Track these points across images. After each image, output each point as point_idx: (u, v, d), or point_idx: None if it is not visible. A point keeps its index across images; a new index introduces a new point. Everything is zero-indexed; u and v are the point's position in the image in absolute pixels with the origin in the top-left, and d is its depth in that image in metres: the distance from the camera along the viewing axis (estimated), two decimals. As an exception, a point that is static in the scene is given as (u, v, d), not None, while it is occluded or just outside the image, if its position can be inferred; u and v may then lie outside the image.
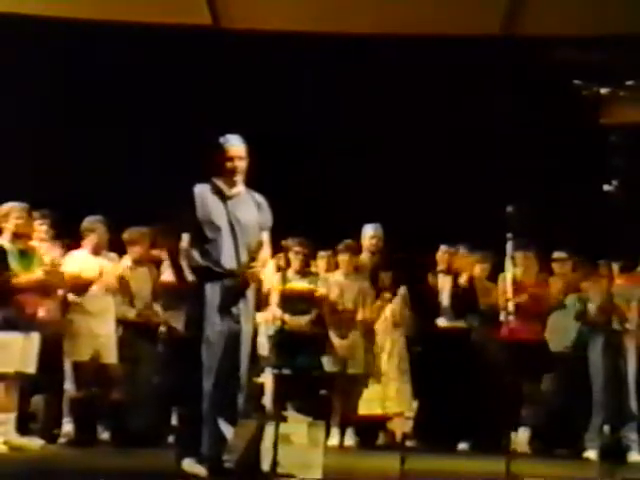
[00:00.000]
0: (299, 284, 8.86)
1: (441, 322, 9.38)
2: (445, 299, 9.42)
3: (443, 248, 9.57)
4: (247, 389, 6.44)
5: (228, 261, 6.30)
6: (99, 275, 8.48)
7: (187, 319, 6.47)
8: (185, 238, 6.36)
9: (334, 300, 9.08)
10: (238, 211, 6.40)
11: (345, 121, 10.42)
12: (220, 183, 6.43)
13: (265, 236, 6.53)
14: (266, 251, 6.59)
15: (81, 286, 8.44)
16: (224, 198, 6.41)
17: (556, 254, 9.39)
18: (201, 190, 6.41)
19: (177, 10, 10.53)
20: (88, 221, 8.62)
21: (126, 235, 8.95)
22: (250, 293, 6.41)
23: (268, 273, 8.89)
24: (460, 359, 9.08)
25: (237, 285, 6.29)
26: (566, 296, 9.26)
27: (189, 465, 6.18)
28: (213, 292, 6.27)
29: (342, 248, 9.20)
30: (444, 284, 9.47)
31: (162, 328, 8.83)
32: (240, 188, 6.46)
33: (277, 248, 8.75)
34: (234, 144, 6.45)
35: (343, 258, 9.19)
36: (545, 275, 9.39)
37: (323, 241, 9.31)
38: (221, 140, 6.47)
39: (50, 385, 8.58)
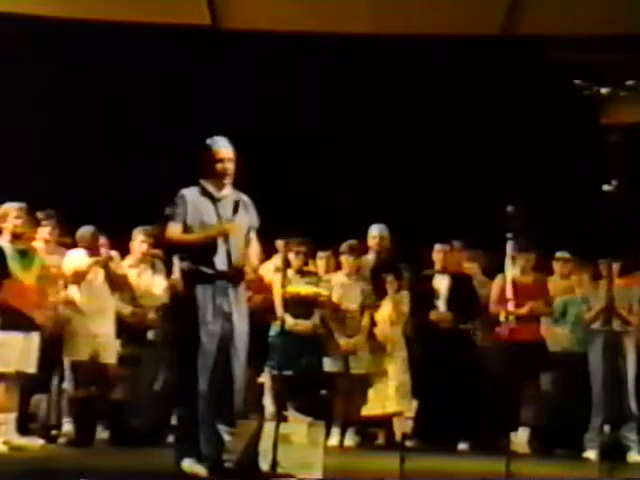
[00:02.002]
0: (304, 288, 8.85)
1: (440, 322, 9.37)
2: (442, 299, 9.41)
3: (438, 247, 9.53)
4: (246, 389, 6.44)
5: (220, 263, 6.30)
6: (96, 273, 8.47)
7: (180, 321, 6.48)
8: (174, 230, 6.35)
9: (337, 301, 9.07)
10: (228, 213, 6.40)
11: (345, 121, 10.42)
12: (209, 185, 6.44)
13: (253, 235, 6.54)
14: (255, 250, 6.59)
15: (77, 285, 8.43)
16: (214, 200, 6.42)
17: (559, 254, 9.40)
18: (191, 194, 6.41)
19: (177, 10, 10.54)
20: (79, 234, 8.60)
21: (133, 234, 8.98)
22: (242, 292, 6.42)
23: (269, 273, 8.93)
24: (460, 359, 9.08)
25: (229, 285, 6.30)
26: (566, 296, 9.27)
27: (189, 465, 6.18)
28: (205, 293, 6.28)
29: (345, 249, 9.19)
30: (441, 284, 9.46)
31: (150, 333, 8.82)
32: (229, 190, 6.47)
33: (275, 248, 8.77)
34: (223, 146, 6.45)
35: (346, 259, 9.18)
36: (544, 275, 9.40)
37: (322, 242, 9.31)
38: (209, 142, 6.47)
39: (50, 385, 8.59)
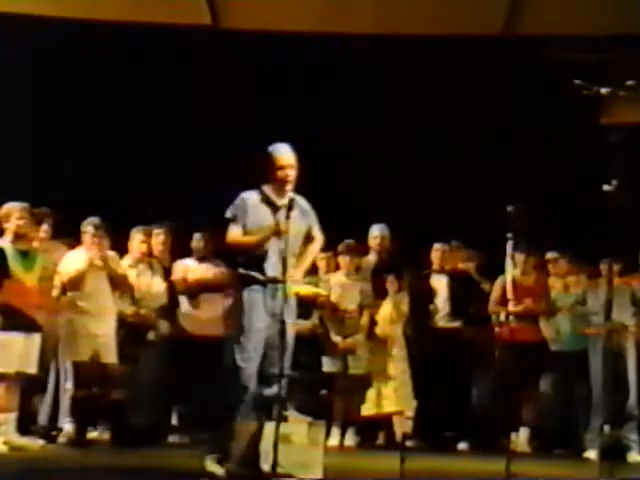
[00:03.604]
0: (303, 288, 8.83)
1: (439, 322, 9.37)
2: (441, 299, 9.41)
3: (436, 246, 9.54)
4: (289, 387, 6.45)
5: (272, 269, 6.35)
6: (95, 273, 8.46)
7: (229, 324, 6.54)
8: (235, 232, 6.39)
9: (335, 301, 9.07)
10: (289, 220, 6.39)
11: (345, 121, 10.42)
12: (270, 192, 6.46)
13: (315, 232, 6.59)
14: (317, 244, 6.66)
15: (76, 285, 8.42)
16: (274, 208, 6.43)
17: (549, 254, 9.43)
18: (252, 198, 6.44)
19: (177, 10, 10.54)
20: (83, 223, 8.60)
21: (131, 233, 8.97)
22: (292, 299, 6.44)
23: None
24: (460, 359, 9.09)
25: (280, 288, 6.33)
26: (565, 296, 9.27)
27: (210, 463, 6.23)
28: (256, 297, 6.34)
29: (343, 249, 9.20)
30: (439, 283, 9.45)
31: (151, 333, 8.82)
32: (289, 196, 6.47)
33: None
34: (286, 153, 6.46)
35: (344, 259, 9.19)
36: (544, 275, 9.40)
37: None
38: (271, 149, 6.47)
39: (50, 385, 8.59)
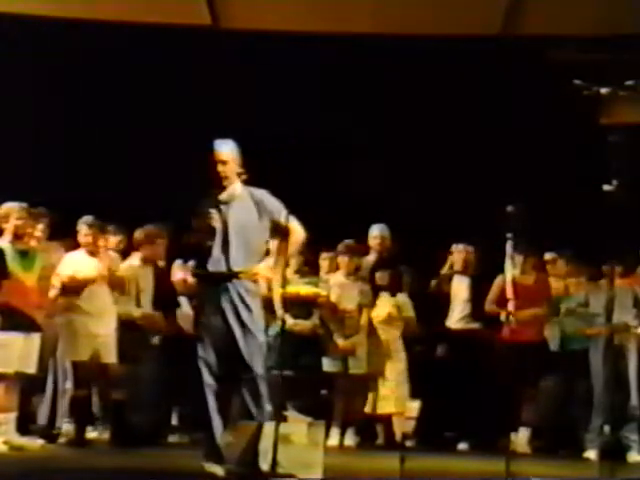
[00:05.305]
0: (303, 288, 8.85)
1: (457, 324, 9.35)
2: (461, 300, 9.38)
3: (460, 247, 9.51)
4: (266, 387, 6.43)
5: (215, 264, 6.37)
6: (95, 275, 8.44)
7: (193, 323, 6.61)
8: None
9: (335, 301, 9.07)
10: (232, 214, 6.42)
11: (345, 121, 10.42)
12: (215, 189, 6.49)
13: (288, 222, 6.52)
14: (295, 237, 6.58)
15: (76, 287, 8.40)
16: (218, 203, 6.45)
17: (547, 255, 9.42)
18: (205, 199, 6.50)
19: (177, 10, 10.55)
20: (80, 222, 8.59)
21: (135, 235, 8.96)
22: (249, 290, 6.42)
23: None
24: (461, 359, 9.09)
25: (231, 285, 6.34)
26: (565, 296, 9.27)
27: (208, 465, 6.24)
28: (204, 295, 6.40)
29: (342, 249, 9.20)
30: (461, 285, 9.42)
31: (155, 337, 8.83)
32: (233, 191, 6.47)
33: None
34: (219, 148, 6.49)
35: (343, 259, 9.19)
36: (545, 275, 9.40)
37: (325, 242, 9.30)
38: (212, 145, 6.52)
39: (50, 385, 8.59)
